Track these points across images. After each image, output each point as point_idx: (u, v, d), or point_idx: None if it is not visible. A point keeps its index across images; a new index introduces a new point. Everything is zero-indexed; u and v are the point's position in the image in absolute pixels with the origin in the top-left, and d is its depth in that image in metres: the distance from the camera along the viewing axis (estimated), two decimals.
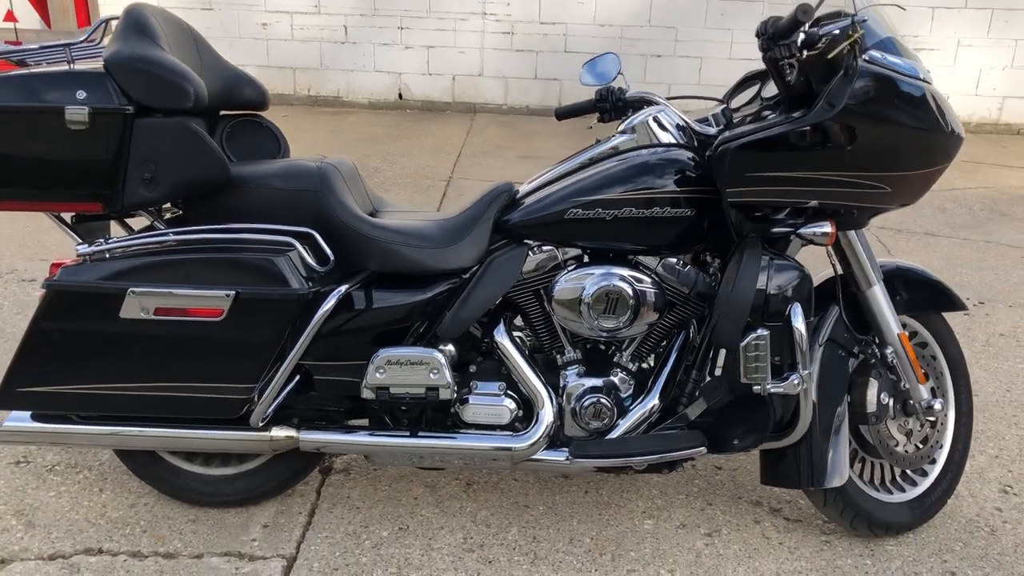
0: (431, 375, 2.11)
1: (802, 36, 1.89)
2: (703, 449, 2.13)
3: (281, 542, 2.25)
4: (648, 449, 2.13)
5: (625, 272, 2.12)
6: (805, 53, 1.91)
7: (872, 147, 1.95)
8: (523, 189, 2.24)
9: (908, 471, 2.37)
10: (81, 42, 2.10)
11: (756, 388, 2.01)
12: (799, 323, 2.01)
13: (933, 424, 2.34)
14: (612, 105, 2.37)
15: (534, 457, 2.17)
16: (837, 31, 1.87)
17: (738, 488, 2.54)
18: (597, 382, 2.20)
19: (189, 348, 2.00)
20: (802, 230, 2.06)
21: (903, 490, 2.35)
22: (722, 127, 2.17)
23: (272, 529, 2.30)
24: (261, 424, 2.10)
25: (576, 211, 2.10)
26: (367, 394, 2.12)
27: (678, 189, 2.09)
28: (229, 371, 2.03)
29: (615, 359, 2.24)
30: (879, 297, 2.19)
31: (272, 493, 2.37)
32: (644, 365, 2.26)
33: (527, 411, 2.22)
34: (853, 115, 1.88)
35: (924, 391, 2.25)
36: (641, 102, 2.35)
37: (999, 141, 7.68)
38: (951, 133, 2.01)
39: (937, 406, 2.24)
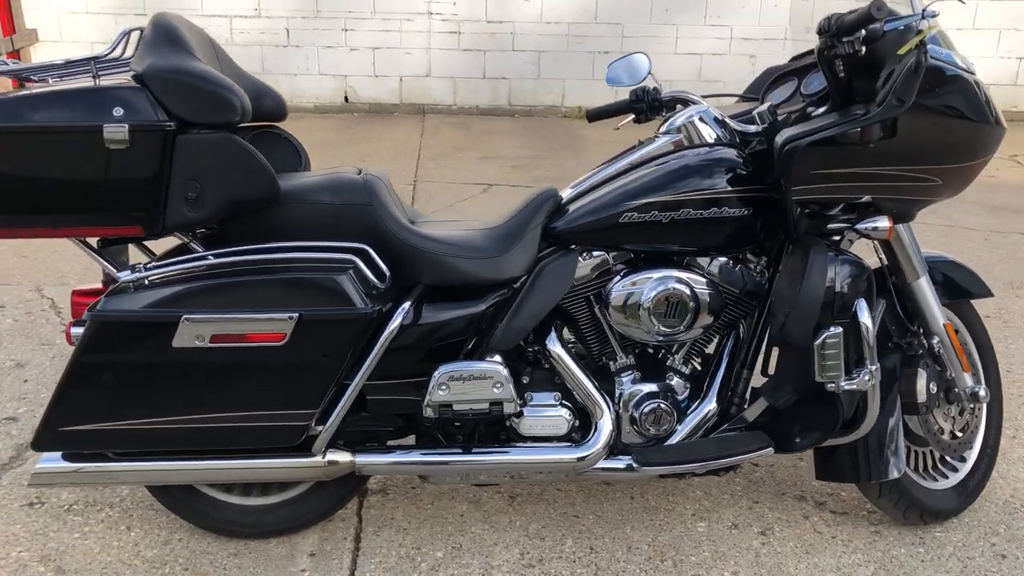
0: (495, 389, 2.05)
1: (863, 32, 1.89)
2: (771, 450, 2.12)
3: (332, 570, 2.16)
4: (716, 453, 2.11)
5: (683, 275, 2.10)
6: (865, 49, 1.91)
7: (930, 140, 1.97)
8: (567, 194, 2.19)
9: (948, 458, 2.40)
10: (107, 55, 1.97)
11: (830, 386, 2.01)
12: (865, 318, 2.01)
13: (972, 410, 2.38)
14: (649, 105, 2.35)
15: (597, 467, 2.12)
16: (902, 26, 1.87)
17: (779, 484, 2.55)
18: (653, 387, 2.17)
19: (248, 375, 1.90)
20: (859, 226, 2.06)
21: (946, 477, 2.38)
22: (766, 124, 2.16)
23: (320, 558, 2.21)
24: (323, 449, 2.02)
25: (631, 214, 2.07)
26: (429, 412, 2.05)
27: (733, 188, 2.07)
28: (290, 397, 1.93)
29: (668, 363, 2.22)
30: (925, 288, 2.21)
31: (316, 520, 2.27)
32: (696, 368, 2.24)
33: (582, 420, 2.17)
34: (920, 109, 1.89)
35: (969, 379, 2.28)
36: (677, 101, 2.33)
37: None
38: (996, 124, 2.04)
39: (982, 393, 2.27)
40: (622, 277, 2.11)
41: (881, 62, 1.95)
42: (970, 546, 2.31)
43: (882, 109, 1.88)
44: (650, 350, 2.24)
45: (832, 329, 1.98)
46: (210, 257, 1.91)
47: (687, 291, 2.08)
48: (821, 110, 2.10)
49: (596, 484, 2.50)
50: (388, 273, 1.97)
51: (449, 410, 2.05)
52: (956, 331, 2.40)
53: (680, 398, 2.18)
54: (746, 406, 2.19)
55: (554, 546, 2.27)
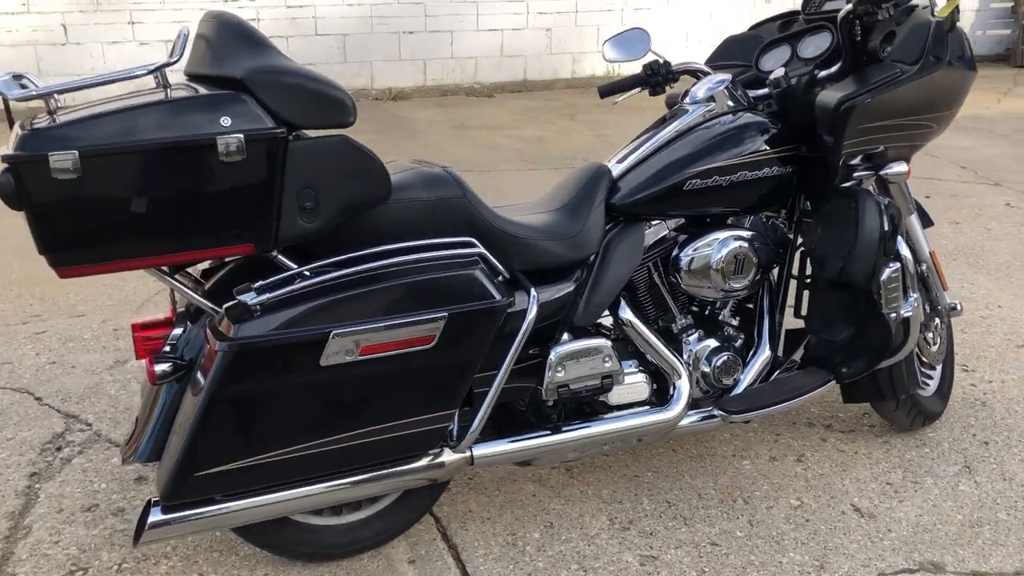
0: (605, 363, 2.10)
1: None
2: (832, 382, 2.34)
3: (441, 572, 2.13)
4: (791, 393, 2.29)
5: (742, 233, 2.25)
6: (893, 11, 2.14)
7: (939, 91, 2.25)
8: (616, 170, 2.27)
9: (922, 368, 2.76)
10: (174, 62, 1.77)
11: (892, 316, 2.25)
12: (906, 251, 2.28)
13: (945, 322, 2.74)
14: (664, 78, 2.46)
15: (685, 424, 2.24)
16: None
17: (787, 415, 2.80)
18: (716, 342, 2.32)
19: (395, 384, 1.82)
20: (884, 172, 2.32)
21: (928, 384, 2.74)
22: (782, 88, 2.33)
23: (422, 563, 2.16)
24: (470, 446, 1.99)
25: (695, 181, 2.19)
26: (547, 395, 2.06)
27: (775, 149, 2.25)
28: (434, 400, 1.87)
29: (720, 318, 2.37)
30: (915, 223, 2.53)
31: (407, 527, 2.21)
32: (741, 320, 2.41)
33: (657, 383, 2.28)
34: (949, 66, 2.16)
35: (948, 297, 2.64)
36: (687, 73, 2.47)
37: None
38: (976, 72, 2.37)
39: (959, 307, 2.64)
40: (688, 242, 2.23)
41: (893, 26, 2.20)
42: (960, 440, 2.68)
43: (922, 66, 2.13)
44: (701, 309, 2.38)
45: (892, 265, 2.23)
46: (337, 268, 1.80)
47: (749, 248, 2.24)
48: (831, 71, 2.32)
49: (637, 444, 2.62)
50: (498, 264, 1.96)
51: (567, 390, 2.08)
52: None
53: (739, 349, 2.35)
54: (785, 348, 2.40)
55: (634, 506, 2.37)
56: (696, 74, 2.47)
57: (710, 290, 2.25)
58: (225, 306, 1.73)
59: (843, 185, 2.30)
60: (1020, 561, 2.18)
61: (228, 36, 1.76)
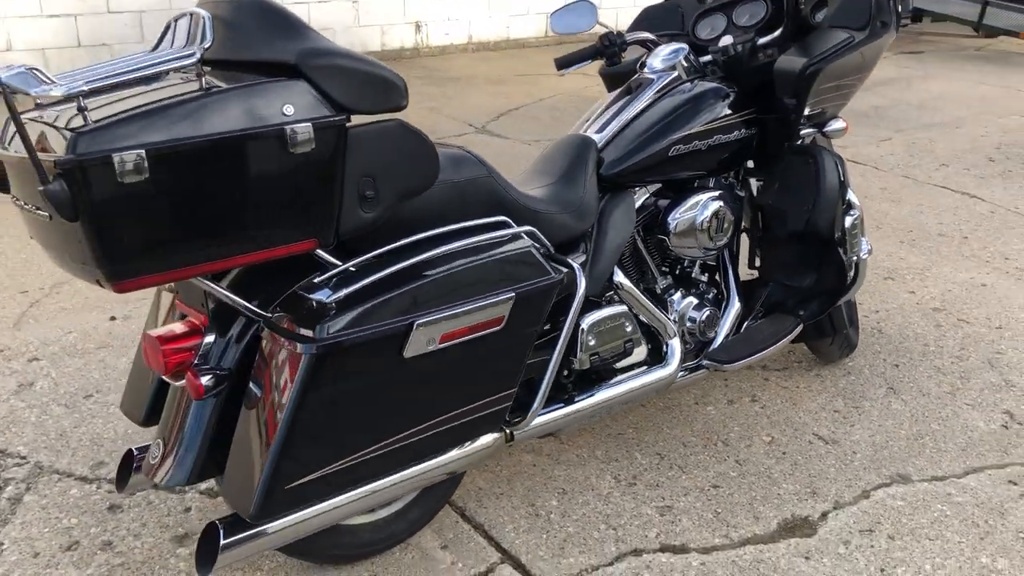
0: (627, 327, 2.17)
1: None
2: (801, 326, 2.53)
3: (478, 551, 2.13)
4: (770, 339, 2.47)
5: (718, 193, 2.39)
6: None
7: (875, 53, 2.48)
8: (597, 140, 2.32)
9: None
10: (207, 47, 1.61)
11: (853, 259, 2.47)
12: (855, 198, 2.50)
13: None
14: (619, 48, 2.53)
15: (679, 379, 2.36)
16: None
17: None
18: (695, 300, 2.45)
19: (469, 369, 1.78)
20: (827, 129, 2.53)
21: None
22: (730, 56, 2.48)
23: (456, 545, 2.15)
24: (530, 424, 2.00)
25: (679, 147, 2.29)
26: (580, 364, 2.10)
27: (741, 113, 2.40)
28: (502, 381, 1.85)
29: (691, 276, 2.51)
30: None
31: (436, 512, 2.18)
32: (708, 275, 2.56)
33: (651, 343, 2.38)
34: (890, 30, 2.38)
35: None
36: (642, 43, 2.56)
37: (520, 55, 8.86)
38: (897, 31, 2.63)
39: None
40: (673, 206, 2.34)
41: None
42: (875, 365, 3.00)
43: (871, 32, 2.34)
44: (675, 269, 2.50)
45: (853, 213, 2.45)
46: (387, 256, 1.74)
47: (726, 206, 2.38)
48: (771, 37, 2.49)
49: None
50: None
51: (598, 357, 2.13)
52: None
53: (714, 302, 2.49)
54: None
55: (631, 462, 2.47)
56: (646, 44, 2.56)
57: (695, 249, 2.37)
58: (292, 306, 1.63)
59: (795, 143, 2.49)
60: (963, 463, 2.50)
61: (261, 17, 1.63)
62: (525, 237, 1.88)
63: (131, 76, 1.52)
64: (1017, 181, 5.06)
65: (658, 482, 2.39)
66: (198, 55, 1.53)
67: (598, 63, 2.64)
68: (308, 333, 1.59)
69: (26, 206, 1.58)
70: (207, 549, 1.68)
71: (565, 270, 1.93)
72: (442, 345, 1.72)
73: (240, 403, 1.77)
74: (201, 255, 1.52)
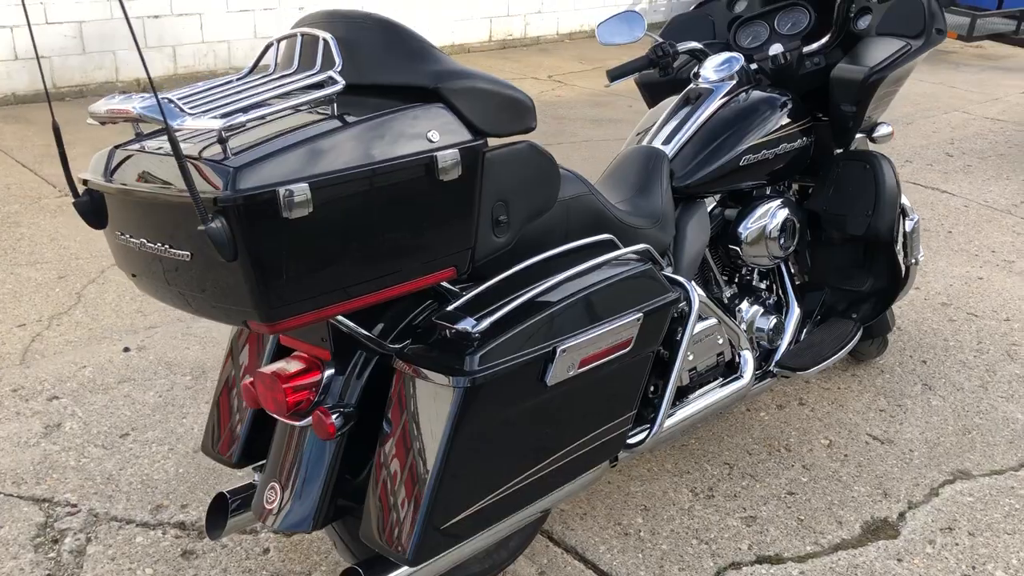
0: (719, 340, 2.15)
1: None
2: (861, 331, 2.57)
3: (579, 575, 2.09)
4: (836, 346, 2.49)
5: (781, 202, 2.40)
6: None
7: (918, 60, 2.53)
8: (666, 150, 2.30)
9: None
10: (312, 73, 1.52)
11: (911, 263, 2.51)
12: (907, 202, 2.55)
13: None
14: (672, 58, 2.52)
15: (753, 389, 2.37)
16: None
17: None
18: (761, 308, 2.46)
19: (601, 392, 1.75)
20: (875, 135, 2.57)
21: None
22: (780, 64, 2.49)
23: (553, 571, 2.10)
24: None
25: (748, 156, 2.30)
26: (680, 380, 2.08)
27: (801, 121, 2.42)
28: (626, 402, 1.82)
29: (752, 284, 2.51)
30: None
31: (531, 539, 2.13)
32: (765, 283, 2.57)
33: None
34: (943, 36, 2.43)
35: None
36: (697, 52, 2.55)
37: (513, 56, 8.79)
38: None
39: None
40: (744, 215, 2.34)
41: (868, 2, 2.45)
42: (905, 363, 3.07)
43: (928, 40, 2.38)
44: (738, 278, 2.50)
45: (913, 217, 2.49)
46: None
47: (792, 214, 2.39)
48: (816, 45, 2.52)
49: None
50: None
51: (696, 372, 2.11)
52: None
53: (777, 310, 2.51)
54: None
55: (703, 474, 2.46)
56: (694, 54, 2.56)
57: (764, 257, 2.38)
58: (432, 338, 1.57)
59: (847, 150, 2.52)
60: (1015, 456, 2.58)
61: (389, 39, 1.56)
62: (644, 257, 1.85)
63: (268, 102, 1.44)
64: (979, 175, 5.26)
65: (735, 492, 2.39)
66: (341, 81, 1.45)
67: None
68: (458, 365, 1.53)
69: (150, 246, 1.47)
70: None
71: (679, 288, 1.91)
72: (580, 370, 1.67)
73: (361, 441, 1.70)
74: (356, 290, 1.45)
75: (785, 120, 2.39)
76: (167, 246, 1.43)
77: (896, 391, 2.90)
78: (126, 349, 3.06)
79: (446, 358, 1.54)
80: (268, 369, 1.67)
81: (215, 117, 1.36)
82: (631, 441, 1.94)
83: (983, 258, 4.02)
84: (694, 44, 2.56)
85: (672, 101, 2.47)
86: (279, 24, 7.56)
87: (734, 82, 2.43)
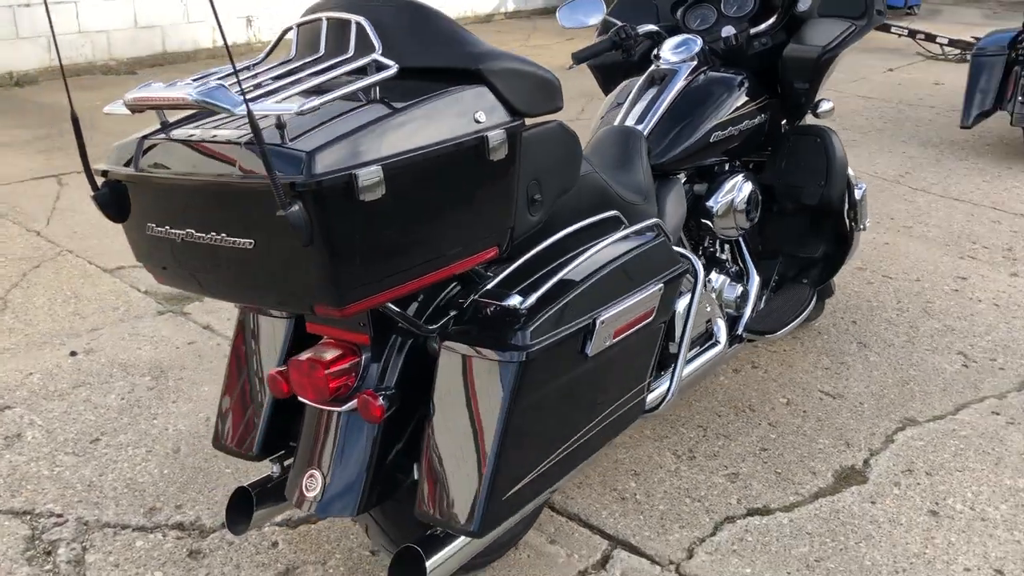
0: (708, 309, 2.26)
1: None
2: (816, 295, 2.74)
3: (587, 542, 2.17)
4: (798, 310, 2.65)
5: (744, 176, 2.54)
6: None
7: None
8: (642, 129, 2.39)
9: None
10: (348, 58, 1.53)
11: (861, 229, 2.69)
12: (852, 172, 2.73)
13: None
14: (634, 41, 2.61)
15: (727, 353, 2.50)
16: None
17: None
18: (728, 277, 2.59)
19: (629, 361, 1.82)
20: (819, 110, 2.74)
21: None
22: (733, 45, 2.62)
23: (564, 539, 2.18)
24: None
25: (717, 133, 2.42)
26: (677, 348, 2.17)
27: (759, 99, 2.56)
28: (645, 370, 1.90)
29: (716, 256, 2.64)
30: None
31: (543, 508, 2.19)
32: (726, 255, 2.71)
33: None
34: (883, 17, 2.61)
35: None
36: (653, 35, 2.65)
37: None
38: None
39: None
40: (714, 190, 2.46)
41: None
42: (837, 324, 3.29)
43: (871, 20, 2.56)
44: (703, 250, 2.62)
45: (862, 186, 2.67)
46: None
47: (755, 187, 2.53)
48: (763, 27, 2.67)
49: None
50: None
51: (689, 339, 2.21)
52: None
53: (741, 279, 2.65)
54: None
55: (681, 437, 2.59)
56: (652, 36, 2.66)
57: (732, 229, 2.51)
58: (480, 316, 1.61)
59: (797, 125, 2.69)
60: (950, 402, 2.82)
61: (426, 22, 1.58)
62: (656, 230, 1.93)
63: (327, 87, 1.43)
64: (864, 149, 5.63)
65: (714, 452, 2.53)
66: (394, 64, 1.46)
67: None
68: (512, 341, 1.57)
69: (200, 236, 1.45)
70: (411, 573, 1.62)
71: (685, 259, 2.00)
72: (615, 340, 1.75)
73: (401, 422, 1.72)
74: (414, 272, 1.47)
75: (745, 98, 2.52)
76: (224, 235, 1.41)
77: (836, 350, 3.11)
78: (73, 353, 2.93)
79: (499, 335, 1.58)
80: (304, 357, 1.67)
81: (279, 103, 1.35)
82: (648, 406, 2.03)
83: (884, 225, 4.32)
84: (651, 27, 2.66)
85: (634, 83, 2.57)
86: (162, 12, 7.27)
87: (695, 63, 2.54)
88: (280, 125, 1.36)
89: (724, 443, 2.57)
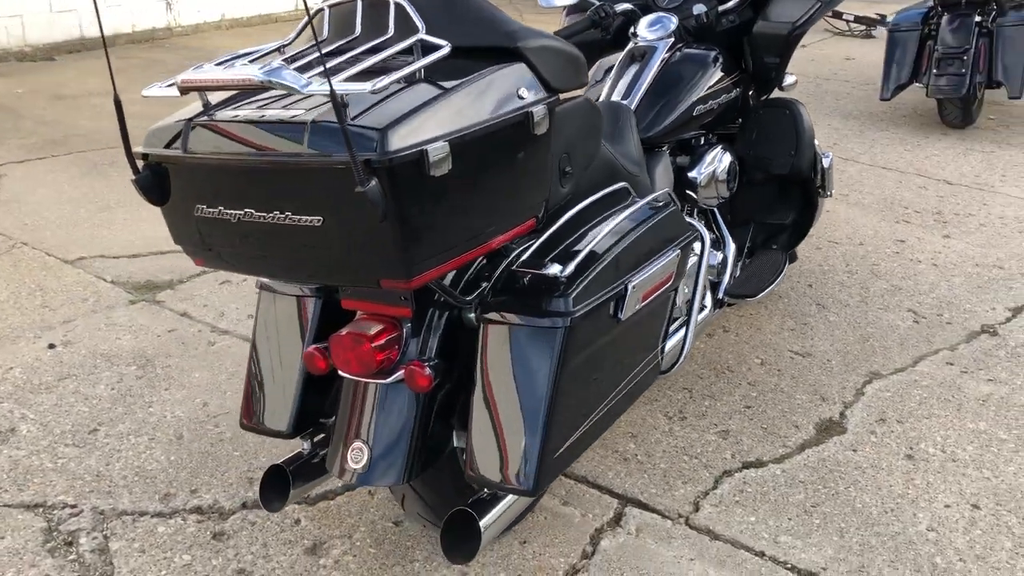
0: (701, 273, 2.38)
1: None
2: (788, 259, 2.88)
3: (598, 502, 2.27)
4: (775, 273, 2.78)
5: (723, 147, 2.66)
6: None
7: None
8: (629, 104, 2.49)
9: None
10: (388, 38, 1.57)
11: (828, 195, 2.84)
12: (818, 142, 2.88)
13: None
14: (612, 20, 2.70)
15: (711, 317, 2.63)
16: None
17: None
18: (707, 246, 2.71)
19: (652, 323, 1.91)
20: (784, 84, 2.88)
21: None
22: (706, 22, 2.74)
23: (577, 501, 2.27)
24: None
25: (700, 107, 2.53)
26: (678, 313, 2.28)
27: (733, 74, 2.68)
28: (663, 333, 1.99)
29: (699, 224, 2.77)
30: None
31: None
32: (703, 223, 2.83)
33: None
34: None
35: None
36: (627, 13, 2.74)
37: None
38: None
39: None
40: (696, 161, 2.57)
41: None
42: (794, 288, 3.47)
43: None
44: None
45: (828, 155, 2.82)
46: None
47: (734, 157, 2.66)
48: (730, 4, 2.79)
49: None
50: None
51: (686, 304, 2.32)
52: None
53: (719, 246, 2.78)
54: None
55: (669, 399, 2.71)
56: (626, 14, 2.75)
57: (714, 199, 2.64)
58: (519, 285, 1.68)
59: (766, 98, 2.82)
60: (908, 355, 3.02)
61: (462, 1, 1.63)
62: (668, 199, 2.03)
63: (384, 66, 1.47)
64: None
65: (702, 412, 2.65)
66: (447, 44, 1.51)
67: None
68: (556, 308, 1.64)
69: (260, 215, 1.47)
70: (464, 536, 1.68)
71: (693, 227, 2.11)
72: (642, 304, 1.84)
73: (437, 391, 1.77)
74: (471, 243, 1.53)
75: (721, 73, 2.64)
76: (289, 213, 1.44)
77: (798, 312, 3.28)
78: (51, 346, 2.87)
79: (543, 303, 1.66)
80: (345, 332, 1.71)
81: (347, 80, 1.39)
82: (663, 368, 2.14)
83: None
84: (627, 5, 2.75)
85: (608, 62, 2.66)
86: None
87: (672, 40, 2.64)
88: (344, 104, 1.40)
89: (711, 403, 2.70)
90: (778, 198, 2.89)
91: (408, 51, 1.53)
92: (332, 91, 1.29)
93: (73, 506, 2.17)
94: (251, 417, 1.93)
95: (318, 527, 2.14)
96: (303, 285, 1.88)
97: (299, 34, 1.74)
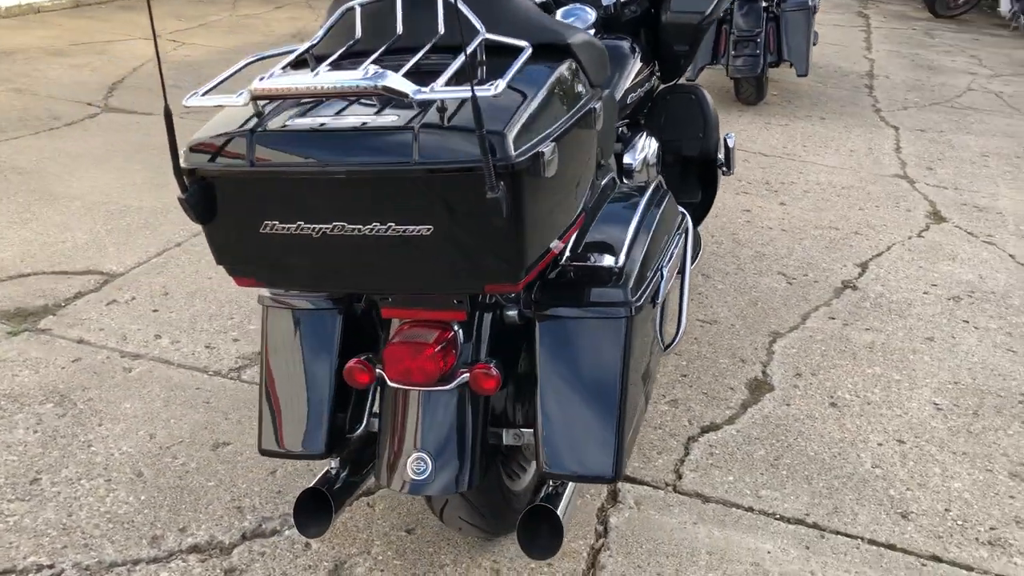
0: None
1: None
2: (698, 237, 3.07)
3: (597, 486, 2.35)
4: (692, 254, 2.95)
5: (647, 133, 2.79)
6: None
7: None
8: None
9: None
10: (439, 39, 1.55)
11: (731, 173, 3.05)
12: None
13: None
14: (557, 4, 2.74)
15: None
16: None
17: None
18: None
19: (665, 305, 1.99)
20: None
21: None
22: (611, 14, 2.86)
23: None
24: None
25: (631, 95, 2.65)
26: None
27: (650, 62, 2.82)
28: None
29: None
30: None
31: None
32: None
33: None
34: None
35: None
36: (547, 4, 2.79)
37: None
38: None
39: None
40: (628, 148, 2.69)
41: None
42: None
43: None
44: None
45: (732, 135, 3.02)
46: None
47: (659, 143, 2.80)
48: None
49: None
50: None
51: None
52: None
53: None
54: None
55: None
56: (543, 6, 2.80)
57: (645, 183, 2.76)
58: (569, 281, 1.72)
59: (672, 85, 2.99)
60: (795, 313, 3.33)
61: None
62: (663, 186, 2.12)
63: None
64: None
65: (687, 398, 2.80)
66: (528, 45, 1.51)
67: None
68: (619, 298, 1.69)
69: (355, 228, 1.41)
70: (546, 531, 1.70)
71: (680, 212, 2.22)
72: (669, 287, 1.93)
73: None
74: (554, 240, 1.55)
75: (640, 63, 2.77)
76: (391, 224, 1.40)
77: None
78: None
79: (605, 294, 1.70)
80: (396, 341, 1.66)
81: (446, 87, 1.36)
82: (667, 343, 2.24)
83: None
84: None
85: None
86: None
87: (592, 32, 2.74)
88: (442, 109, 1.37)
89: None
90: (683, 179, 3.08)
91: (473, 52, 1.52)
92: (473, 96, 1.26)
93: (51, 566, 1.94)
94: (275, 442, 1.83)
95: (331, 547, 2.06)
96: (327, 296, 1.80)
97: (327, 33, 1.65)
